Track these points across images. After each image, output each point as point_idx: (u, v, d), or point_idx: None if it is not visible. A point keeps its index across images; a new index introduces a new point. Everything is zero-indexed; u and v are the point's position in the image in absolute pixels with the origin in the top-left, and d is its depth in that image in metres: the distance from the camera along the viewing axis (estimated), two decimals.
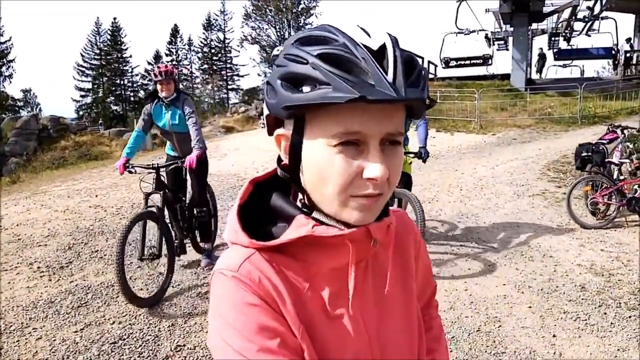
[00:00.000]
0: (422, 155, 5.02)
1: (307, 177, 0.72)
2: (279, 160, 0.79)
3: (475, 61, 22.27)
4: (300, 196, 0.77)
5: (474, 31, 22.43)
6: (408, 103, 0.68)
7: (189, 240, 5.15)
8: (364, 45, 0.65)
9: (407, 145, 5.29)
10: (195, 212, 5.13)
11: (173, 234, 4.76)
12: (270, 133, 0.78)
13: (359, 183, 0.68)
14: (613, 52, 22.30)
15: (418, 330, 0.90)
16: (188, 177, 5.15)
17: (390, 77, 0.64)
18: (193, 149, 4.62)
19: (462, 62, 22.31)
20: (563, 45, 23.72)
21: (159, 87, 4.74)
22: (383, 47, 0.66)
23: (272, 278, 0.73)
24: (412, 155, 5.03)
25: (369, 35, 0.67)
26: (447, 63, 22.37)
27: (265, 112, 0.75)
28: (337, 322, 0.77)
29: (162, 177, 4.66)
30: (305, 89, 0.65)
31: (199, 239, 5.23)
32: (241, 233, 0.75)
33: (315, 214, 0.74)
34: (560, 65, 24.05)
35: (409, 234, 0.94)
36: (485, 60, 22.19)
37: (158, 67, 4.71)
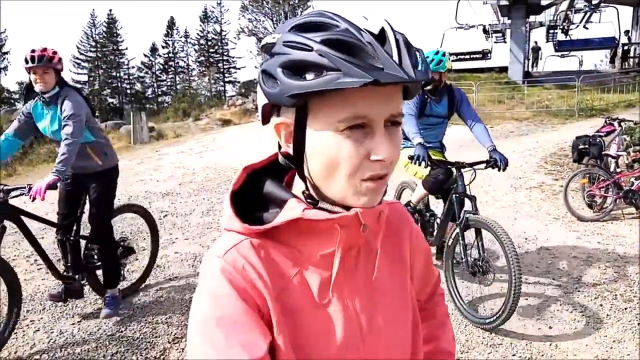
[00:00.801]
0: (499, 162, 3.75)
1: (314, 164, 0.72)
2: (280, 147, 0.79)
3: (474, 56, 22.50)
4: (302, 186, 0.76)
5: (473, 26, 22.68)
6: (404, 84, 0.69)
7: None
8: (367, 30, 0.66)
9: (444, 153, 4.53)
10: (94, 249, 3.98)
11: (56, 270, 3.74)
12: (265, 122, 0.78)
13: (368, 165, 0.69)
14: (615, 41, 22.18)
15: (413, 319, 0.89)
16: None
17: (396, 59, 0.65)
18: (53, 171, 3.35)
19: (462, 57, 22.51)
20: (561, 37, 23.70)
21: (32, 77, 3.46)
22: (383, 31, 0.67)
23: (257, 266, 0.74)
24: (482, 166, 3.76)
25: (366, 18, 0.68)
26: None
27: (261, 102, 0.74)
28: (324, 309, 0.77)
29: (9, 202, 3.41)
30: (309, 76, 0.65)
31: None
32: (234, 218, 0.76)
33: (321, 204, 0.75)
34: (558, 56, 24.02)
35: (403, 225, 0.94)
36: (485, 55, 22.50)
37: (32, 51, 3.39)
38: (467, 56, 22.72)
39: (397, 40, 0.66)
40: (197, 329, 0.71)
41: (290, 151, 0.74)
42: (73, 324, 3.82)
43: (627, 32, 23.17)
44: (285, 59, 0.67)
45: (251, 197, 0.80)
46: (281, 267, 0.76)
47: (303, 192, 0.76)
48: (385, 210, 0.79)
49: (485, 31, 23.08)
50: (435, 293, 1.07)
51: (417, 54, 0.69)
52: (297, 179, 0.78)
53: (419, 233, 0.98)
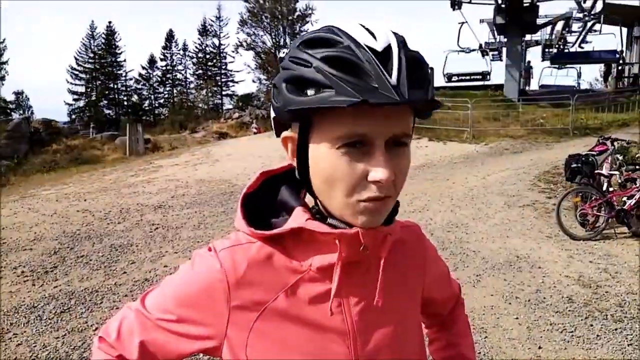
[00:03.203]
0: None
1: (315, 180, 0.71)
2: None
3: (475, 77, 23.03)
4: (311, 198, 0.76)
5: (473, 50, 23.37)
6: (413, 104, 0.67)
7: None
8: (369, 47, 0.64)
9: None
10: None
11: None
12: (277, 134, 0.77)
13: (365, 186, 0.67)
14: (617, 55, 22.03)
15: (419, 343, 0.87)
16: None
17: (394, 79, 0.63)
18: None
19: (463, 78, 23.11)
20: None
21: None
22: (388, 48, 0.65)
23: (251, 271, 0.75)
24: None
25: (374, 36, 0.66)
26: (449, 78, 23.49)
27: (272, 115, 0.76)
28: (317, 323, 0.75)
29: None
30: (310, 92, 0.65)
31: None
32: (241, 221, 0.77)
33: (330, 220, 0.73)
34: (555, 67, 24.10)
35: (418, 247, 0.91)
36: (484, 76, 22.96)
37: None
38: (468, 77, 23.24)
39: (400, 59, 0.64)
40: (163, 290, 0.81)
41: (295, 164, 0.74)
42: (57, 337, 3.76)
43: (620, 52, 23.40)
44: (288, 75, 0.68)
45: (266, 201, 0.80)
46: (278, 275, 0.75)
47: (312, 207, 0.75)
48: (393, 234, 0.77)
49: (481, 49, 23.41)
50: (456, 305, 1.07)
51: (428, 73, 0.67)
52: None
53: (434, 253, 0.96)
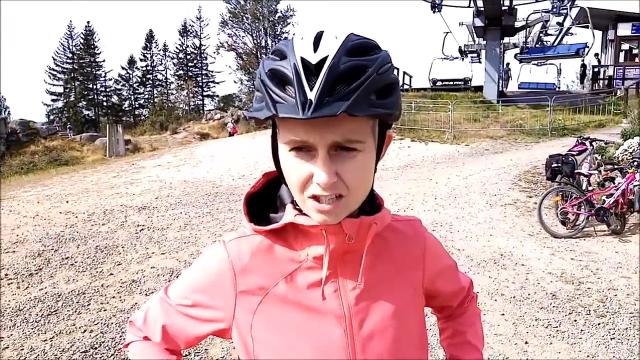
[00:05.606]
0: None
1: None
2: None
3: (457, 82, 23.91)
4: None
5: (457, 57, 24.42)
6: (320, 118, 0.66)
7: None
8: (304, 61, 0.68)
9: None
10: None
11: None
12: None
13: (312, 184, 0.72)
14: (587, 48, 21.88)
15: (418, 329, 0.91)
16: None
17: (313, 93, 0.66)
18: None
19: (447, 84, 24.13)
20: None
21: None
22: (323, 61, 0.67)
23: (255, 260, 0.83)
24: None
25: (315, 49, 0.69)
26: (434, 83, 24.53)
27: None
28: (314, 308, 0.81)
29: None
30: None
31: None
32: (244, 218, 0.85)
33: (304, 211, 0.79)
34: (535, 64, 24.34)
35: (416, 240, 0.94)
36: (466, 82, 23.78)
37: None
38: (451, 82, 24.16)
39: (325, 73, 0.66)
40: (180, 279, 0.92)
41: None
42: (45, 340, 3.72)
43: (596, 54, 23.84)
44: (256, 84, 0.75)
45: (267, 199, 0.87)
46: (279, 264, 0.82)
47: (292, 201, 0.81)
48: (379, 223, 0.81)
49: (460, 51, 23.80)
50: (466, 298, 1.10)
51: (362, 85, 0.67)
52: None
53: (437, 248, 1.00)
